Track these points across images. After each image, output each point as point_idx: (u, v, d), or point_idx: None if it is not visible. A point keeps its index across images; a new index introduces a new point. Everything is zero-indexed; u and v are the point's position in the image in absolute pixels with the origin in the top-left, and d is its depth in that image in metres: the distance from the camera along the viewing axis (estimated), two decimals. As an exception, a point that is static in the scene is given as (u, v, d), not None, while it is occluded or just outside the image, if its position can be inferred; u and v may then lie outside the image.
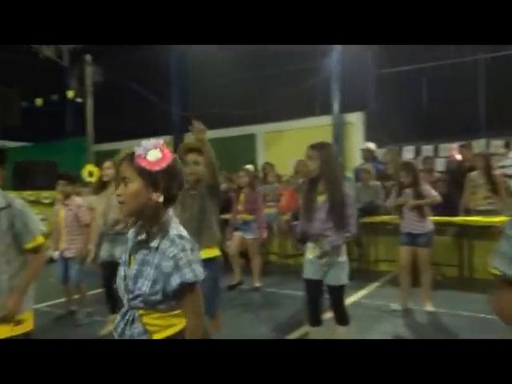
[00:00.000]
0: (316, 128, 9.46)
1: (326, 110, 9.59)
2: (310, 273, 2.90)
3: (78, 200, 4.05)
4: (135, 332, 1.40)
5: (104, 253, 3.71)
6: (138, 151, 1.39)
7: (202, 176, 2.97)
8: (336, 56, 9.20)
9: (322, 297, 2.96)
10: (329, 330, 2.96)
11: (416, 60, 8.63)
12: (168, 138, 11.67)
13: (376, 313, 4.35)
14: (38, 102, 9.89)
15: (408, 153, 8.35)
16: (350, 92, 9.28)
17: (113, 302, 3.70)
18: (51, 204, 7.14)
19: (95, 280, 4.04)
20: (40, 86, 10.56)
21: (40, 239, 2.03)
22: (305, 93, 9.59)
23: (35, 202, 7.53)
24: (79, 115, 11.17)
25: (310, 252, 2.90)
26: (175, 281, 1.33)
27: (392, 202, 4.47)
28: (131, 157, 1.40)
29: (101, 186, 3.82)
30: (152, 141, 1.44)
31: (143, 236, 1.40)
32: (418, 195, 4.21)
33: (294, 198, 6.80)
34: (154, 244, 1.37)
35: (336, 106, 9.39)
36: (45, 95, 10.14)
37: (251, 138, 10.60)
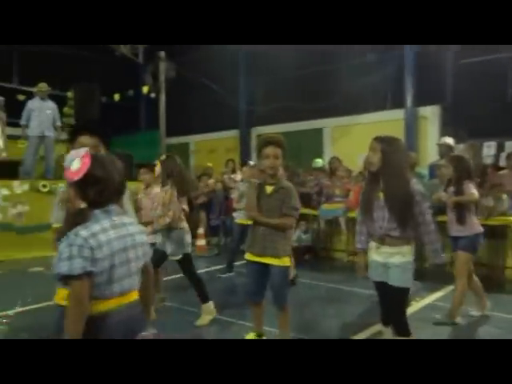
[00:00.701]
0: (387, 122, 9.09)
1: (398, 103, 9.19)
2: (373, 274, 2.75)
3: (156, 189, 4.21)
4: None
5: (159, 243, 3.87)
6: (65, 163, 1.58)
7: (281, 172, 2.97)
8: (409, 45, 8.76)
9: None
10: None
11: (499, 49, 7.97)
12: (234, 132, 11.87)
13: (452, 317, 4.08)
14: (116, 97, 10.43)
15: (489, 149, 7.77)
16: (424, 84, 8.81)
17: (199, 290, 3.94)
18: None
19: (169, 266, 4.19)
20: (117, 83, 11.17)
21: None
22: (375, 85, 9.26)
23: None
24: (152, 110, 11.67)
25: (373, 252, 2.72)
26: (55, 270, 1.51)
27: (434, 197, 4.05)
28: None
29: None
30: (76, 151, 1.59)
31: None
32: (458, 194, 3.75)
33: (363, 193, 6.62)
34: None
35: (409, 99, 8.96)
36: (121, 91, 10.69)
37: (318, 132, 10.44)
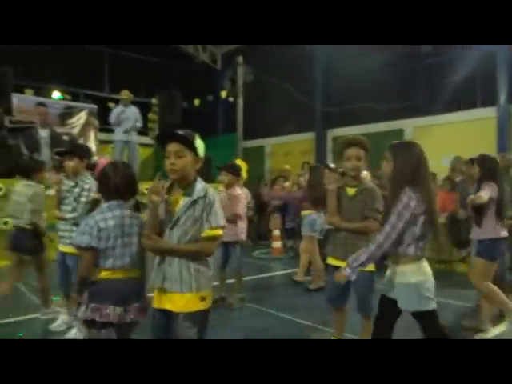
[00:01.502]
0: (476, 121, 8.47)
1: (489, 101, 8.51)
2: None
3: (237, 190, 4.28)
4: None
5: None
6: None
7: (362, 173, 2.86)
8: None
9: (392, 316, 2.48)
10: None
11: None
12: (310, 134, 11.77)
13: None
14: (196, 102, 10.85)
15: None
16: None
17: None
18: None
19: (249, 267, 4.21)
20: (197, 88, 11.63)
21: (217, 232, 2.05)
22: (463, 82, 8.67)
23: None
24: (229, 114, 11.96)
25: None
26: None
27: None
28: None
29: None
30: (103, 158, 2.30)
31: None
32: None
33: (450, 198, 6.19)
34: None
35: (503, 96, 8.25)
36: (201, 96, 11.10)
37: (399, 133, 9.98)
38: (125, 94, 8.31)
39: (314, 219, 5.23)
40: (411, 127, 9.84)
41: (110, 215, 2.06)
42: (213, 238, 2.05)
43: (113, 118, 8.20)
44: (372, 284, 2.96)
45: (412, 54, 9.17)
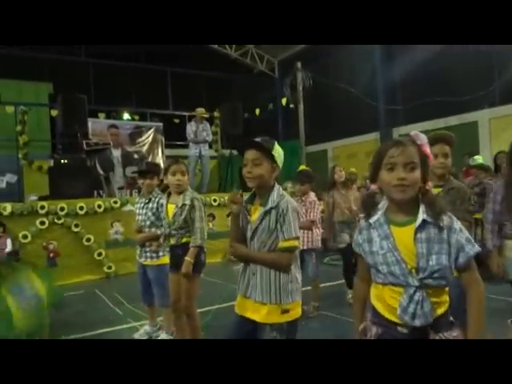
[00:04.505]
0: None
1: None
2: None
3: (311, 196, 4.25)
4: (426, 310, 1.44)
5: (348, 238, 4.51)
6: None
7: (451, 172, 2.70)
8: None
9: None
10: None
11: None
12: (374, 134, 11.39)
13: None
14: (257, 112, 10.96)
15: None
16: None
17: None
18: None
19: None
20: (256, 98, 11.75)
21: (291, 243, 1.97)
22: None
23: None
24: (289, 120, 11.91)
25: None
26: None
27: None
28: None
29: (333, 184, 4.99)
30: None
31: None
32: None
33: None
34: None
35: None
36: (260, 105, 11.19)
37: (472, 126, 9.36)
38: (201, 112, 8.69)
39: None
40: (486, 119, 9.19)
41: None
42: (286, 250, 1.98)
43: (191, 135, 8.67)
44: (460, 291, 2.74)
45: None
